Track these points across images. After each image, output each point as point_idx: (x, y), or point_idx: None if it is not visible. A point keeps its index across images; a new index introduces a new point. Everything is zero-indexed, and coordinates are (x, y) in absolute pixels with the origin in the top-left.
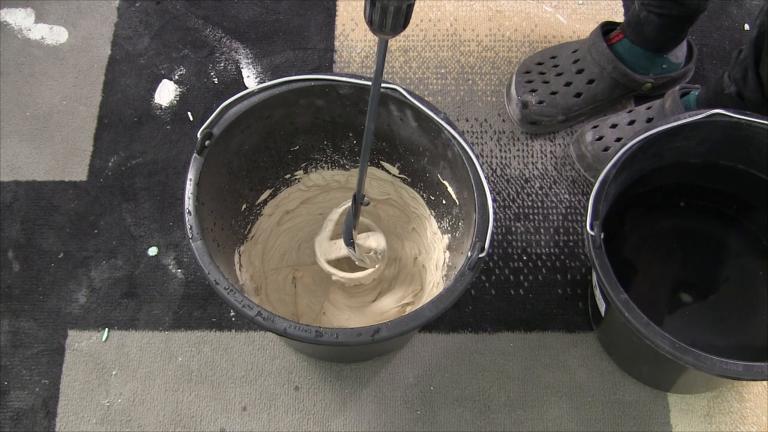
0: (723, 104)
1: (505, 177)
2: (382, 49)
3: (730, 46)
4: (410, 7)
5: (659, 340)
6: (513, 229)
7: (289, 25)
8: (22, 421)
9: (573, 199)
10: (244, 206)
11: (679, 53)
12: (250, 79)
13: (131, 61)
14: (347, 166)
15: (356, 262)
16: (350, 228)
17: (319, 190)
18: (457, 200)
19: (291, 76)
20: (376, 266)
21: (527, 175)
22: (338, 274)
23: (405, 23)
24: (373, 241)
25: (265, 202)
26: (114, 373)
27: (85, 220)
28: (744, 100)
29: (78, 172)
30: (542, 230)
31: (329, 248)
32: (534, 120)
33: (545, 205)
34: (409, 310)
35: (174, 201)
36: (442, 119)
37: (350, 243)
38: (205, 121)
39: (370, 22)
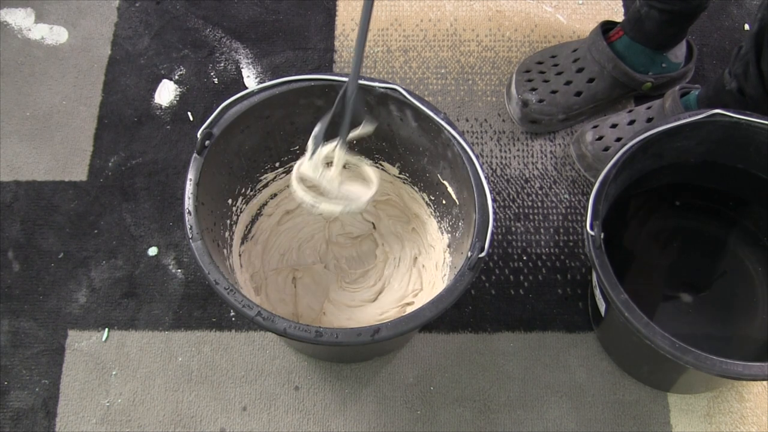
0: (724, 101)
1: (505, 177)
2: None
3: (730, 46)
4: None
5: (659, 340)
6: (513, 229)
7: (289, 25)
8: (22, 421)
9: (573, 199)
10: (244, 206)
11: (679, 53)
12: (250, 79)
13: (131, 61)
14: (347, 166)
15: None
16: (319, 140)
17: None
18: (457, 200)
19: (291, 76)
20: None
21: (527, 175)
22: (302, 196)
23: None
24: (357, 191)
25: (265, 202)
26: (114, 373)
27: (85, 220)
28: (745, 96)
29: (78, 172)
30: (542, 230)
31: (307, 164)
32: (534, 119)
33: (545, 205)
34: (409, 310)
35: (174, 201)
36: (442, 119)
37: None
38: (205, 121)
39: None
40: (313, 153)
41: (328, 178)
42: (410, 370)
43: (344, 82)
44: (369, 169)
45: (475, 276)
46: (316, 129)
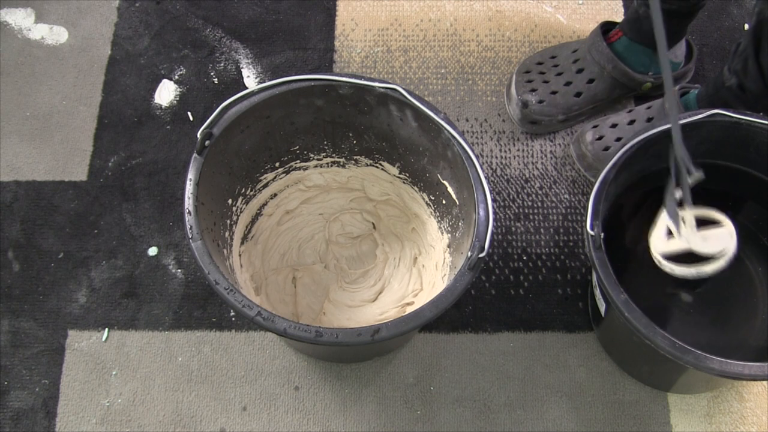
0: (723, 98)
1: (505, 177)
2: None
3: (730, 45)
4: None
5: (659, 340)
6: (513, 229)
7: (289, 25)
8: (22, 421)
9: (573, 199)
10: (244, 206)
11: (679, 52)
12: (250, 79)
13: (131, 61)
14: (347, 166)
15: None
16: (675, 213)
17: (319, 190)
18: (457, 200)
19: (291, 76)
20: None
21: (527, 175)
22: (685, 272)
23: None
24: (715, 242)
25: (265, 202)
26: (114, 373)
27: (85, 220)
28: (745, 91)
29: (78, 172)
30: (542, 230)
31: (663, 242)
32: (534, 119)
33: (545, 205)
34: (409, 310)
35: (174, 201)
36: (442, 119)
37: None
38: (205, 121)
39: None
40: (675, 226)
41: (697, 241)
42: (410, 370)
43: (344, 82)
44: (714, 212)
45: (475, 276)
46: (668, 204)
